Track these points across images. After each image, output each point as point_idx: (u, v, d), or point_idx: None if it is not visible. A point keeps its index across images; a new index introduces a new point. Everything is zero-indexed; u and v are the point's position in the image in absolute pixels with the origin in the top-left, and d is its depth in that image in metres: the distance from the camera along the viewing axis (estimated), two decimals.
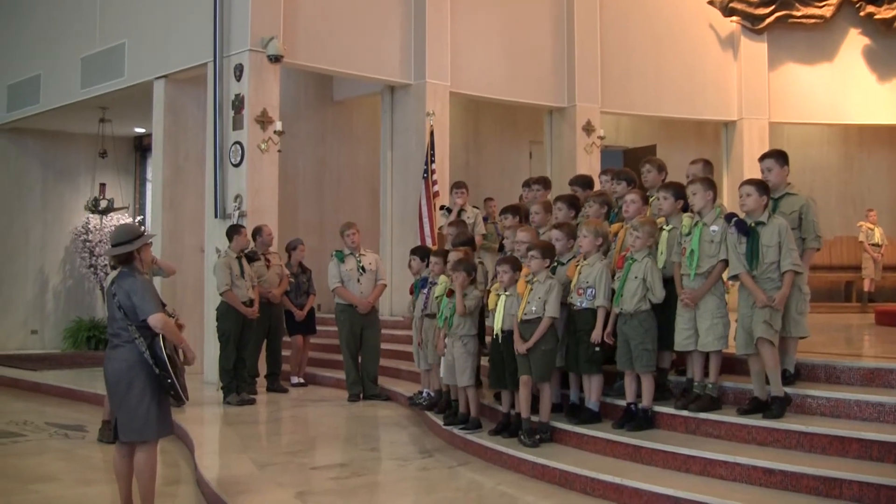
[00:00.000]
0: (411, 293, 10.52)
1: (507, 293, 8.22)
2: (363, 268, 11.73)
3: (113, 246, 6.57)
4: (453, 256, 9.15)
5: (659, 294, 7.55)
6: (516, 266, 8.30)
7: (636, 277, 7.59)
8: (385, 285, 12.21)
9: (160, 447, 6.71)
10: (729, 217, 7.36)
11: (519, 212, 9.66)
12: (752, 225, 7.12)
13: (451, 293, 8.88)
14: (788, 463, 6.33)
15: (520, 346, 7.93)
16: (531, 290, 7.96)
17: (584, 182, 9.94)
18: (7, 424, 10.80)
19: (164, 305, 6.56)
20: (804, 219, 7.54)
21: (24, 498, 7.43)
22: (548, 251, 8.10)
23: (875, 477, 5.92)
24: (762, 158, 7.77)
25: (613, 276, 7.94)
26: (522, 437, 7.85)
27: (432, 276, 9.83)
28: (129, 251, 6.47)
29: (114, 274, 6.74)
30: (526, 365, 7.92)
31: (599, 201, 8.82)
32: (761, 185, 7.24)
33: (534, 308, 7.91)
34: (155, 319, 6.24)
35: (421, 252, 10.53)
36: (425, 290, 9.99)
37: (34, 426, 10.70)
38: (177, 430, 8.75)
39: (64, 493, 7.65)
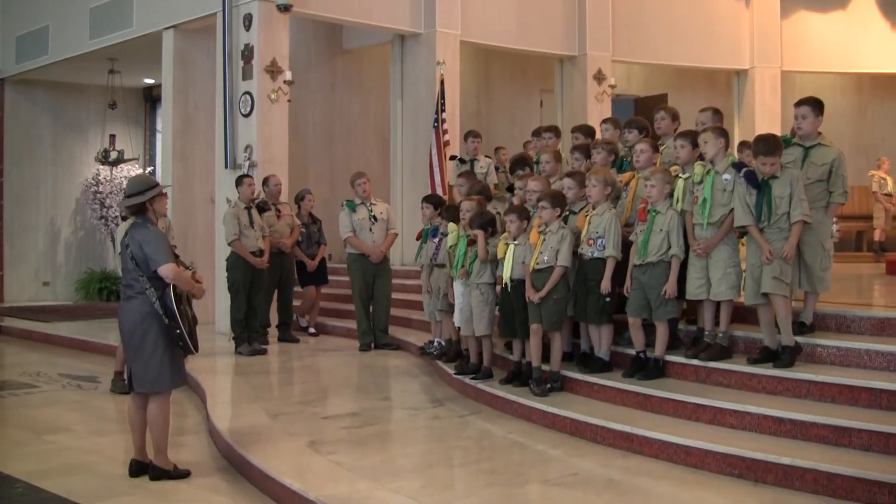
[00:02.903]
0: (418, 239, 10.50)
1: (515, 242, 8.21)
2: (374, 217, 11.70)
3: (126, 197, 6.59)
4: (466, 206, 9.12)
5: (675, 249, 7.47)
6: (524, 215, 8.28)
7: (661, 230, 7.52)
8: (396, 234, 12.20)
9: (172, 397, 6.75)
10: (738, 166, 7.28)
11: (527, 162, 9.71)
12: (766, 178, 7.05)
13: (471, 242, 8.82)
14: (798, 412, 6.35)
15: (532, 296, 7.93)
16: (544, 240, 7.95)
17: (587, 131, 9.95)
18: (20, 376, 10.90)
19: (177, 257, 6.57)
20: (835, 173, 7.40)
21: (40, 448, 7.51)
22: (557, 200, 8.07)
23: (884, 426, 5.94)
24: (798, 104, 7.56)
25: (627, 225, 7.94)
26: (532, 385, 7.87)
27: (443, 226, 9.81)
28: (140, 202, 6.49)
29: (125, 225, 6.75)
30: (537, 314, 7.93)
31: (607, 149, 8.82)
32: (777, 145, 7.10)
33: (546, 258, 7.90)
34: (166, 269, 6.26)
35: (434, 200, 10.50)
36: (435, 240, 9.98)
37: (47, 377, 10.79)
38: (189, 381, 8.80)
39: (78, 443, 7.73)
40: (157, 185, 6.72)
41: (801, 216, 6.93)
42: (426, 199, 10.58)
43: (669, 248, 7.49)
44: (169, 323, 6.32)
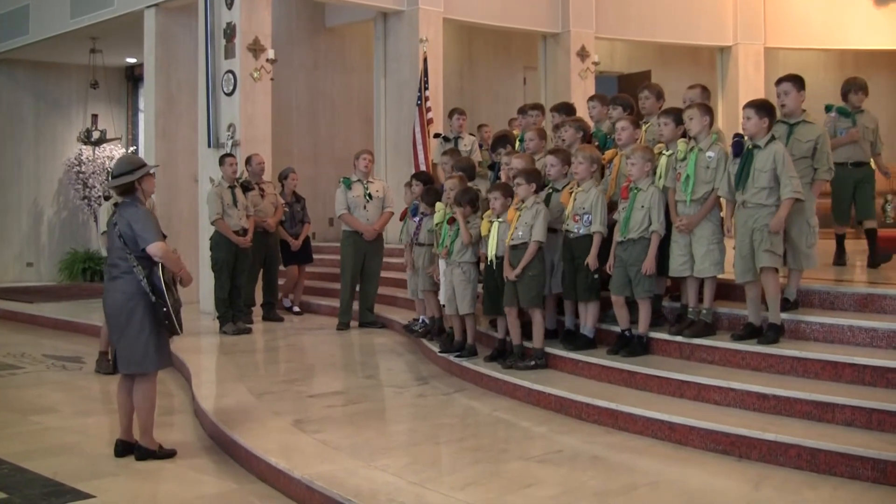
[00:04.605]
0: (402, 219, 10.50)
1: (499, 220, 8.20)
2: (370, 195, 11.55)
3: (114, 177, 6.58)
4: (450, 184, 9.12)
5: (656, 226, 7.48)
6: (508, 192, 8.26)
7: (642, 207, 7.52)
8: (392, 213, 11.89)
9: (158, 377, 6.74)
10: (737, 134, 7.28)
11: (509, 140, 9.70)
12: (750, 147, 7.06)
13: (452, 221, 8.83)
14: (782, 388, 6.38)
15: (508, 273, 7.95)
16: (519, 216, 7.95)
17: (566, 109, 9.90)
18: (5, 357, 10.86)
19: (164, 237, 6.57)
20: (819, 149, 7.47)
21: (25, 429, 7.50)
22: (532, 176, 8.05)
23: (867, 401, 5.97)
24: (779, 82, 7.62)
25: (612, 203, 7.95)
26: (506, 360, 7.93)
27: (423, 206, 9.81)
28: (129, 182, 6.47)
29: (108, 204, 6.73)
30: (512, 291, 7.95)
31: (575, 126, 8.81)
32: (761, 107, 7.10)
33: (520, 233, 7.91)
34: (155, 248, 6.26)
35: (424, 177, 10.48)
36: (416, 218, 9.97)
37: (32, 358, 10.76)
38: (174, 361, 8.78)
39: (64, 423, 7.71)
40: (145, 164, 6.71)
41: (792, 193, 6.87)
42: (416, 176, 10.58)
43: (650, 224, 7.50)
44: (156, 301, 6.31)
